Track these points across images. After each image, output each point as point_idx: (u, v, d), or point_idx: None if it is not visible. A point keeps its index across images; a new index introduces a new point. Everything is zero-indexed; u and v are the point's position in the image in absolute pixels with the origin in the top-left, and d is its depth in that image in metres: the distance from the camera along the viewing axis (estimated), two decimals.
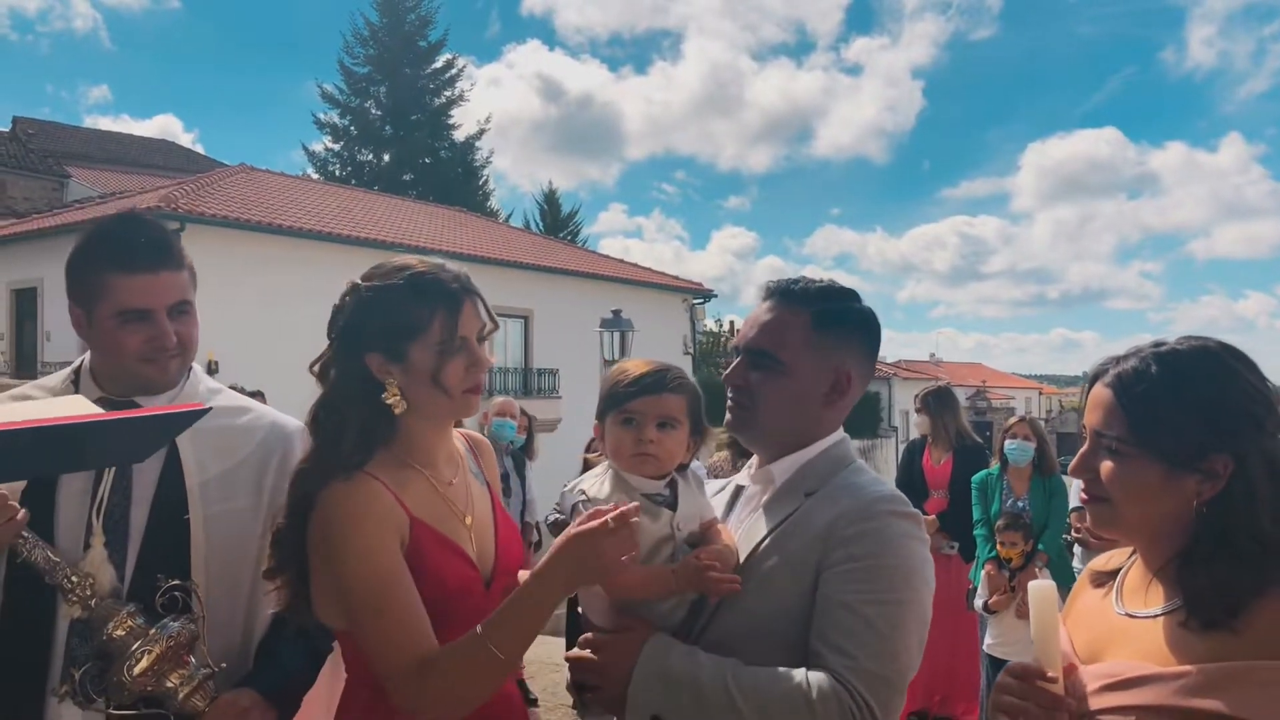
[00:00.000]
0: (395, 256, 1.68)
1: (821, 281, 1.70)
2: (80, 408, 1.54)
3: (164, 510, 1.71)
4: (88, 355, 1.82)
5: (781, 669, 1.41)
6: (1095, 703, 1.28)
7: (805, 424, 1.63)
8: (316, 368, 1.62)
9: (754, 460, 1.72)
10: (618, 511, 1.45)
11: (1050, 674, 1.30)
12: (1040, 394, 69.53)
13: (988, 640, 4.98)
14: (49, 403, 1.60)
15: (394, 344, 1.56)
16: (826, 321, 1.63)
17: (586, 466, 6.06)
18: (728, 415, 1.69)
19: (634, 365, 1.69)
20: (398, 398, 1.56)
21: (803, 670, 1.40)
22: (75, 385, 1.78)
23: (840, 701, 1.35)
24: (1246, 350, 1.36)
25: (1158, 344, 1.36)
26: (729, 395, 1.67)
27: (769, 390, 1.62)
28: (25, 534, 1.57)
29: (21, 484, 1.63)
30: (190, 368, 1.84)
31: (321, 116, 37.36)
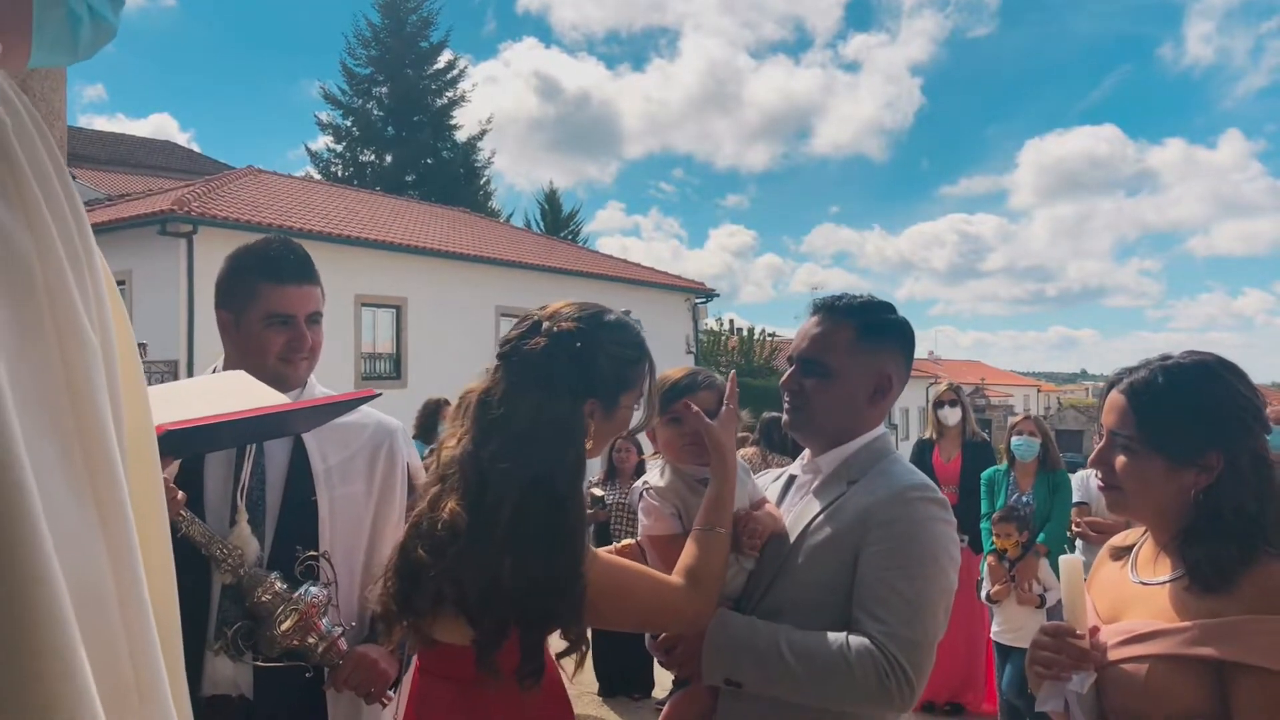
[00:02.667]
0: (576, 303, 1.73)
1: (862, 296, 1.92)
2: (256, 388, 1.79)
3: (294, 493, 1.97)
4: (221, 360, 2.08)
5: (827, 633, 1.64)
6: (1115, 654, 1.53)
7: (852, 422, 1.86)
8: (516, 408, 1.58)
9: (806, 453, 1.96)
10: (731, 394, 1.85)
11: (1079, 632, 1.57)
12: (1039, 391, 69.78)
13: (994, 628, 5.20)
14: (242, 386, 1.83)
15: (614, 394, 1.68)
16: (869, 332, 1.85)
17: (613, 466, 6.31)
18: (785, 416, 1.93)
19: (672, 373, 1.95)
20: (591, 443, 1.66)
21: (844, 634, 1.63)
22: None
23: (875, 661, 1.59)
24: (1245, 347, 1.65)
25: (1165, 357, 1.63)
26: (785, 399, 1.91)
27: (820, 394, 1.85)
28: (183, 512, 1.80)
29: (175, 468, 1.87)
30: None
31: (323, 117, 37.56)
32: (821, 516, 1.78)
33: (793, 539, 1.80)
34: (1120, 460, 1.60)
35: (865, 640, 1.61)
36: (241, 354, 2.02)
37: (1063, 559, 1.64)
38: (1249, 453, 1.54)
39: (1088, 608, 1.64)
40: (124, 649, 0.74)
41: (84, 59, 1.02)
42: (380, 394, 1.97)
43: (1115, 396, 1.64)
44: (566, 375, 1.60)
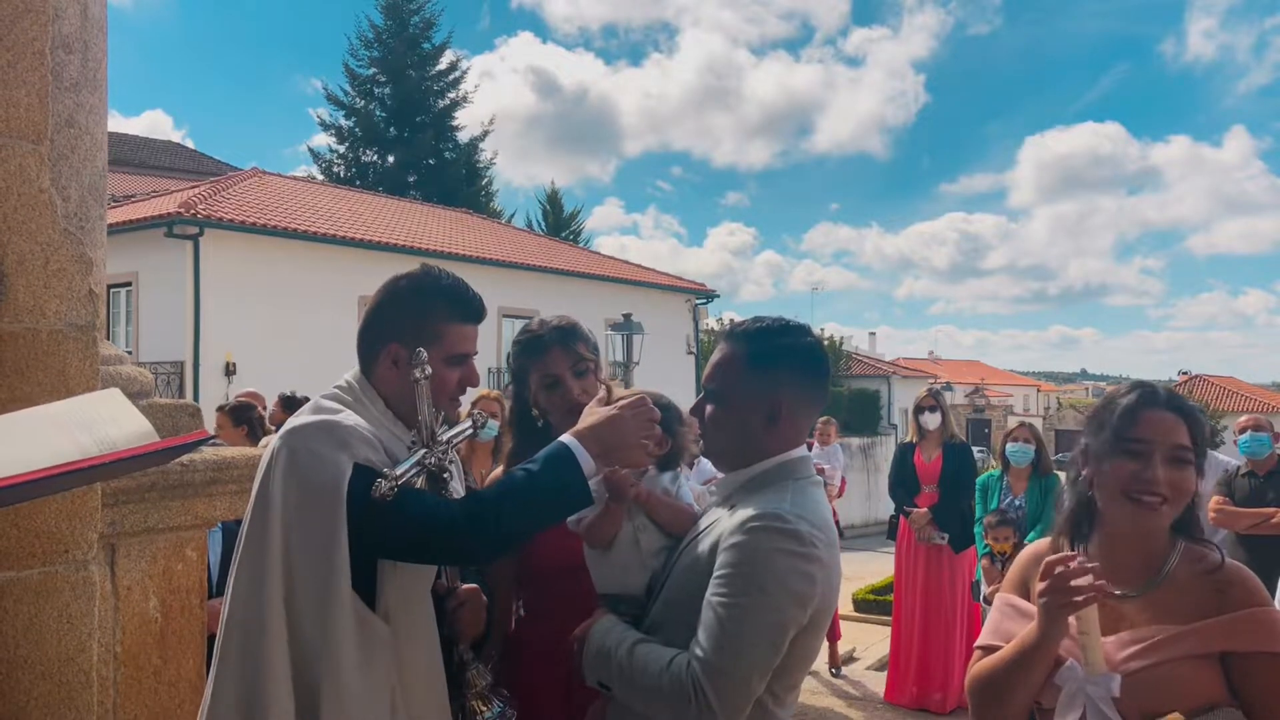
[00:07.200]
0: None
1: (766, 321, 1.89)
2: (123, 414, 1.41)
3: None
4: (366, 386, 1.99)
5: (665, 649, 1.70)
6: (1130, 663, 1.64)
7: (749, 446, 1.84)
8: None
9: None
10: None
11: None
12: (1038, 391, 69.86)
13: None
14: (113, 408, 1.43)
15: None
16: (758, 358, 1.83)
17: None
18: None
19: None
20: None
21: (674, 652, 1.68)
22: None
23: (682, 684, 1.62)
24: (1246, 346, 1.86)
25: (1170, 382, 1.84)
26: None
27: (714, 419, 1.87)
28: None
29: None
30: None
31: (325, 115, 37.67)
32: (697, 537, 1.84)
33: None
34: (1184, 475, 1.69)
35: (685, 660, 1.65)
36: (402, 388, 1.92)
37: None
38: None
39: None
40: None
41: None
42: (214, 437, 1.85)
43: (1166, 415, 1.71)
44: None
